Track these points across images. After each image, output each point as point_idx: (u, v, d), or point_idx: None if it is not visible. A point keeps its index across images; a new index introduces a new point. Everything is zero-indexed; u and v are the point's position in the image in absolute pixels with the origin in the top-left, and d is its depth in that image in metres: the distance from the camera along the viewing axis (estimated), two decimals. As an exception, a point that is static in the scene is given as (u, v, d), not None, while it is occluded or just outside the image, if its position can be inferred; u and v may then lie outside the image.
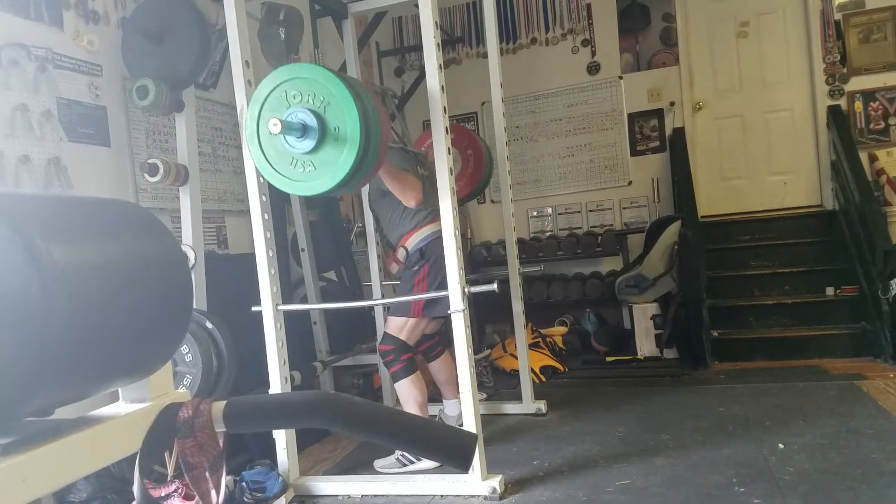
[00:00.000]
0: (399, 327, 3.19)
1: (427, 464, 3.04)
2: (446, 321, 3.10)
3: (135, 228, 0.98)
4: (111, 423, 0.98)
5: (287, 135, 2.30)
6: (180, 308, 1.03)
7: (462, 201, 4.01)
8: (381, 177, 2.97)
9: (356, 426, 1.01)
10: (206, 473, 1.05)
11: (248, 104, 2.44)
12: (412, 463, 3.07)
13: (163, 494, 2.60)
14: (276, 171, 2.40)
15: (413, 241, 3.18)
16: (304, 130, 2.29)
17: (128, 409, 1.04)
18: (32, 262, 0.79)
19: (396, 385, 3.20)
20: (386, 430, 1.00)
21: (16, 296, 0.78)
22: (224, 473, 1.06)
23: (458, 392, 3.43)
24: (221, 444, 1.05)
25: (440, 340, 3.50)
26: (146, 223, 1.01)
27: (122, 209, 1.00)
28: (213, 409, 1.04)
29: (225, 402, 1.05)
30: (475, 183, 4.06)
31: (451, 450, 0.98)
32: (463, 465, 1.00)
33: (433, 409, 3.57)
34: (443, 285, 3.00)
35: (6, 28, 2.71)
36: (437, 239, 3.11)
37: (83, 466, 0.94)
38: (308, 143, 2.30)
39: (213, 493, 1.06)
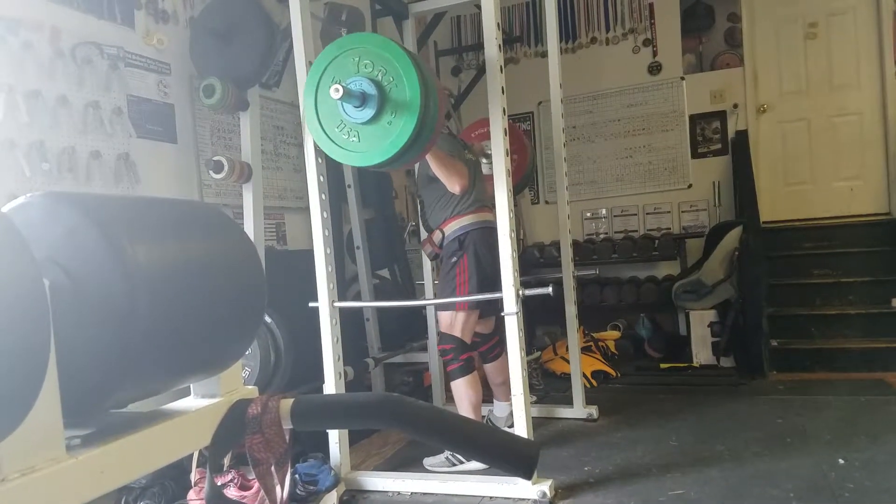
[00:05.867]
0: (449, 323, 3.15)
1: (477, 464, 3.05)
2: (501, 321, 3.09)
3: (214, 231, 1.01)
4: (184, 417, 1.02)
5: (346, 102, 2.29)
6: (254, 308, 1.05)
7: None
8: (429, 160, 2.96)
9: (420, 430, 1.02)
10: (273, 469, 1.07)
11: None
12: (461, 462, 3.08)
13: (219, 484, 2.67)
14: (330, 138, 2.40)
15: (452, 227, 3.15)
16: (363, 100, 2.28)
17: (199, 403, 1.07)
18: (119, 263, 0.82)
19: (452, 384, 3.16)
20: (449, 435, 1.01)
21: (102, 295, 0.82)
22: (289, 469, 1.09)
23: (510, 396, 3.44)
24: (288, 441, 1.07)
25: (499, 342, 3.46)
26: (224, 226, 1.03)
27: (202, 211, 1.04)
28: (281, 407, 1.06)
29: (293, 399, 1.07)
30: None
31: (513, 457, 0.98)
32: (525, 474, 1.00)
33: (483, 410, 3.58)
34: (483, 282, 3.03)
35: (80, 27, 2.81)
36: (478, 230, 3.13)
37: (157, 459, 0.97)
38: (366, 114, 2.29)
39: (279, 488, 1.08)
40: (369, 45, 2.31)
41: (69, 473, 0.82)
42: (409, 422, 1.00)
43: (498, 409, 3.46)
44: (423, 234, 3.45)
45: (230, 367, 1.08)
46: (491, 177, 3.78)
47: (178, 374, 0.98)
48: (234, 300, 1.01)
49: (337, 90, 2.22)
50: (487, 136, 3.85)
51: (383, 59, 2.28)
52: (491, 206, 3.26)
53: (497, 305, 3.16)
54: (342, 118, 2.34)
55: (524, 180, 4.16)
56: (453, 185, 3.01)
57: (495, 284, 3.13)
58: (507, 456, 0.98)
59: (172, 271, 0.90)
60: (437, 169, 3.01)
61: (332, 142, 2.40)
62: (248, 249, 1.06)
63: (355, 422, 1.09)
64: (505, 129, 2.74)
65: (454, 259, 3.13)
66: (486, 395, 3.57)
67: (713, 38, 5.87)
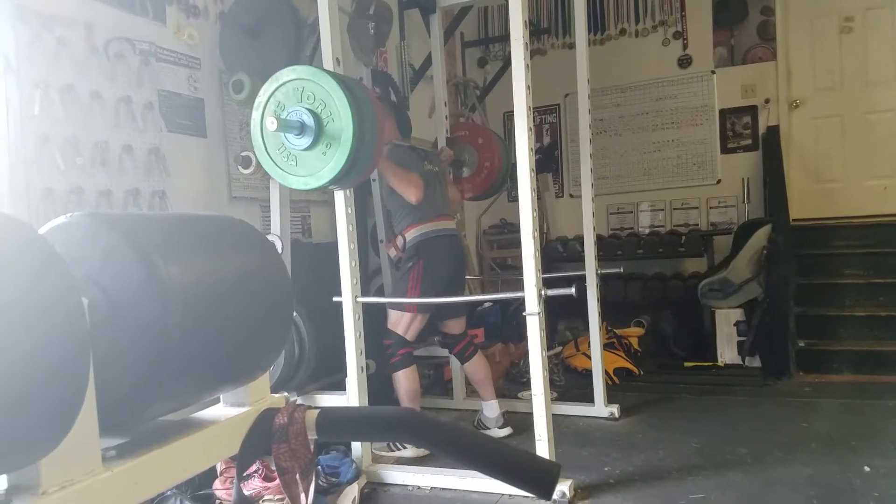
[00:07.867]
0: (395, 321, 3.28)
1: (414, 451, 3.19)
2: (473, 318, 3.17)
3: (243, 246, 1.03)
4: (214, 427, 1.04)
5: (285, 132, 2.40)
6: (282, 319, 1.07)
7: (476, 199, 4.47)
8: (383, 173, 3.12)
9: (439, 445, 1.04)
10: (297, 477, 1.09)
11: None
12: (401, 448, 3.24)
13: (244, 475, 2.71)
14: (271, 157, 2.50)
15: (411, 234, 3.30)
16: (301, 129, 2.39)
17: (228, 413, 1.10)
18: (154, 283, 0.84)
19: (393, 375, 3.30)
20: (467, 453, 1.02)
21: (138, 313, 0.84)
22: (314, 478, 1.11)
23: (495, 394, 3.54)
24: (312, 451, 1.09)
25: (471, 342, 3.57)
26: (252, 239, 1.06)
27: (230, 226, 1.06)
28: (307, 418, 1.08)
29: (318, 410, 1.09)
30: (477, 192, 4.23)
31: (533, 478, 0.99)
32: (545, 494, 1.01)
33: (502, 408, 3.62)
34: (435, 286, 3.22)
35: (113, 22, 2.85)
36: (436, 238, 3.29)
37: (189, 469, 1.00)
38: (304, 142, 2.40)
39: (303, 496, 1.10)
40: (314, 79, 2.42)
41: (105, 485, 0.85)
42: (428, 438, 1.02)
43: (487, 410, 3.51)
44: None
45: (260, 377, 1.11)
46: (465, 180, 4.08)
47: (210, 387, 1.01)
48: (264, 314, 1.03)
49: (272, 122, 2.33)
50: (466, 139, 4.08)
51: (324, 94, 2.39)
52: (452, 214, 3.52)
53: (459, 307, 3.46)
54: (282, 142, 2.46)
55: (498, 183, 4.27)
56: (408, 196, 3.17)
57: (451, 287, 3.35)
58: (526, 476, 0.99)
59: (205, 288, 0.92)
60: (390, 180, 3.18)
61: (273, 162, 2.50)
62: (276, 263, 1.08)
63: (377, 435, 1.11)
64: (531, 128, 2.72)
65: (410, 264, 3.28)
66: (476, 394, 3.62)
67: (745, 31, 5.77)
